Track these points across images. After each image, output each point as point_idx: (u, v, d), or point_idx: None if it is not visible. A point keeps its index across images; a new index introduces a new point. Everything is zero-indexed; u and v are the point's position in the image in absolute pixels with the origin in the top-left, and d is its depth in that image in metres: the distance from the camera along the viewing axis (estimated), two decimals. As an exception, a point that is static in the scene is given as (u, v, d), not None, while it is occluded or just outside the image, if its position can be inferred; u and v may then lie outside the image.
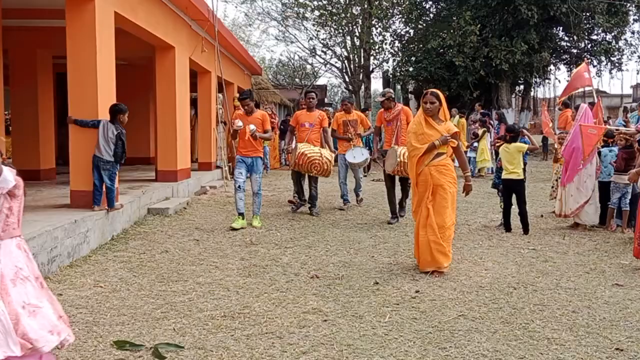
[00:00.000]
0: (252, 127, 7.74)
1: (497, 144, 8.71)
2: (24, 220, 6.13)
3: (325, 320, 4.34)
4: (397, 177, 8.44)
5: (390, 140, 8.41)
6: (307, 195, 9.43)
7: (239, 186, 7.87)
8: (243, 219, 7.85)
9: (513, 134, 7.94)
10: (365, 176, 11.21)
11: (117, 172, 7.28)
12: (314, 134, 8.95)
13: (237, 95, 15.38)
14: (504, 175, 7.82)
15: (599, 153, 8.10)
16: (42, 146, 10.94)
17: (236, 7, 51.23)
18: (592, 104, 9.82)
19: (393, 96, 8.53)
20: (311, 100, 9.02)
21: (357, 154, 9.40)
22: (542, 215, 8.93)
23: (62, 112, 10.46)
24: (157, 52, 10.61)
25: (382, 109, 8.56)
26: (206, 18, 11.55)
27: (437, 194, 5.67)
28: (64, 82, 7.52)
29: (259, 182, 8.05)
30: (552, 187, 9.14)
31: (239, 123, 7.82)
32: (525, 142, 8.20)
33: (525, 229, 7.65)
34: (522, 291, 5.09)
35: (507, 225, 7.82)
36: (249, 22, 34.85)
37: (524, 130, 8.93)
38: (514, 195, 7.79)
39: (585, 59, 15.34)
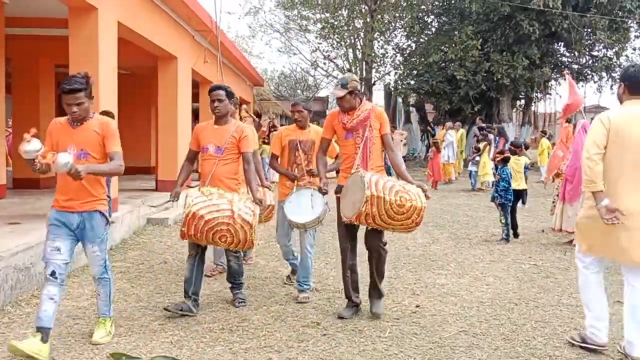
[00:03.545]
0: (62, 158, 3.62)
1: (497, 159, 8.66)
2: (23, 229, 6.13)
3: (325, 335, 4.30)
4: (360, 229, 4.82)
5: (350, 164, 4.69)
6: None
7: (53, 273, 3.85)
8: (41, 337, 3.69)
9: (521, 147, 9.12)
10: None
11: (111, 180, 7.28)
12: (227, 166, 4.84)
13: (245, 106, 15.35)
14: (517, 186, 8.50)
15: None
16: (43, 155, 10.91)
17: (239, 18, 51.72)
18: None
19: (359, 89, 4.73)
20: (218, 103, 4.86)
21: (305, 204, 5.06)
22: (543, 231, 8.89)
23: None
24: (159, 62, 10.64)
25: (337, 111, 4.83)
26: (209, 29, 11.59)
27: None
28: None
29: (102, 257, 4.09)
30: (553, 202, 9.11)
31: (29, 147, 3.57)
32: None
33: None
34: (524, 307, 5.05)
35: (515, 232, 8.31)
36: (252, 34, 34.98)
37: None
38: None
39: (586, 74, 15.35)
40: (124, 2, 8.00)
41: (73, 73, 3.97)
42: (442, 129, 18.55)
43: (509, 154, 8.62)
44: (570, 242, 7.94)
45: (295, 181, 5.30)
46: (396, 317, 4.72)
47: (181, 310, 4.64)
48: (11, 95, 11.14)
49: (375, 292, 4.85)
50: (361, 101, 4.72)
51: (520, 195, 8.67)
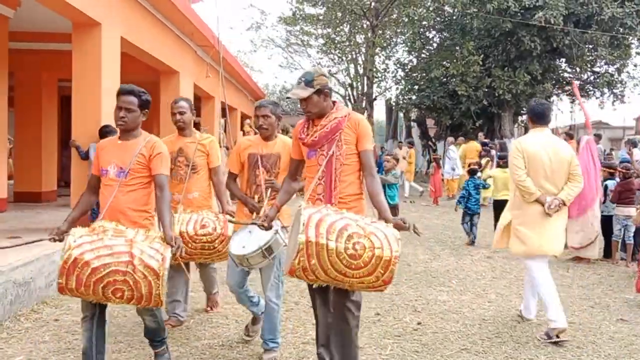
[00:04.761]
0: None
1: (466, 169, 9.71)
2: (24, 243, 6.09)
3: (325, 352, 4.25)
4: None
5: (312, 192, 3.44)
6: None
7: None
8: None
9: (506, 159, 9.38)
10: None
11: None
12: (132, 194, 3.59)
13: (248, 121, 15.38)
14: (501, 197, 8.90)
15: (605, 186, 8.07)
16: (44, 168, 10.95)
17: (241, 34, 52.07)
18: (598, 136, 9.85)
19: (330, 87, 3.47)
20: (126, 112, 3.66)
21: (255, 235, 3.78)
22: (545, 247, 8.85)
23: (67, 135, 10.52)
24: (161, 77, 10.68)
25: (303, 121, 3.58)
26: (211, 44, 11.64)
27: None
28: (69, 104, 7.56)
29: None
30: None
31: None
32: None
33: None
34: (526, 325, 5.01)
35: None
36: (254, 48, 35.19)
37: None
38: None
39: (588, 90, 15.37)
40: (128, 17, 8.05)
41: None
42: (409, 148, 18.65)
43: (475, 167, 9.73)
44: (574, 259, 7.91)
45: (254, 211, 4.06)
46: (397, 335, 4.68)
47: None
48: (14, 109, 11.18)
49: None
50: (334, 105, 3.47)
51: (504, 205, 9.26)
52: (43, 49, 10.33)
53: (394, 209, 7.73)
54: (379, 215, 3.23)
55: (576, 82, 14.34)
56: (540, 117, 5.01)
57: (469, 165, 9.75)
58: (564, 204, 4.78)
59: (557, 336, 4.56)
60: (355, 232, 3.00)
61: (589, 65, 22.56)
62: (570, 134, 13.29)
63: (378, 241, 2.99)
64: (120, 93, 3.72)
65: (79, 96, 7.26)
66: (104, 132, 7.20)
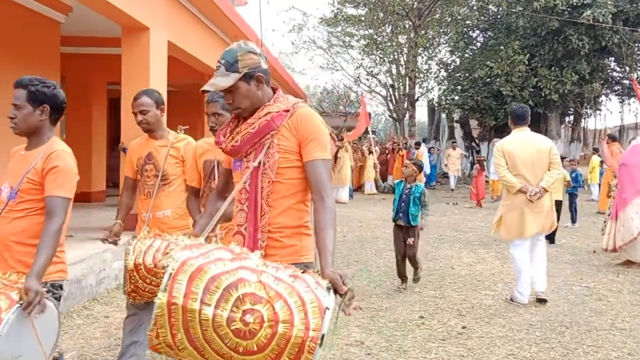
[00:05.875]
0: None
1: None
2: (75, 242, 6.30)
3: (369, 354, 4.25)
4: None
5: (234, 218, 2.36)
6: None
7: None
8: None
9: None
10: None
11: None
12: (19, 221, 2.71)
13: None
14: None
15: None
16: (94, 169, 11.28)
17: (283, 35, 52.53)
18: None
19: (263, 70, 2.27)
20: (14, 110, 2.71)
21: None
22: (594, 251, 8.62)
23: (115, 136, 10.82)
24: (206, 79, 10.82)
25: (232, 118, 2.44)
26: (255, 46, 11.77)
27: None
28: (117, 107, 7.76)
29: None
30: (604, 221, 8.83)
31: None
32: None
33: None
34: (575, 331, 4.89)
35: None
36: (295, 50, 35.42)
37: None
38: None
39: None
40: (174, 21, 8.22)
41: None
42: (416, 148, 18.35)
43: None
44: (624, 263, 7.68)
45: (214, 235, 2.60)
46: (442, 338, 4.64)
47: None
48: (65, 111, 11.53)
49: None
50: (274, 92, 2.36)
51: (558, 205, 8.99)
52: (93, 53, 10.63)
53: (413, 229, 6.17)
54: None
55: (635, 77, 13.93)
56: (520, 119, 5.72)
57: None
58: (545, 191, 5.49)
59: (512, 300, 5.65)
60: (251, 293, 1.82)
61: (638, 65, 21.90)
62: (613, 137, 12.84)
63: (286, 311, 1.82)
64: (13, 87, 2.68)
65: (128, 99, 7.44)
66: None
